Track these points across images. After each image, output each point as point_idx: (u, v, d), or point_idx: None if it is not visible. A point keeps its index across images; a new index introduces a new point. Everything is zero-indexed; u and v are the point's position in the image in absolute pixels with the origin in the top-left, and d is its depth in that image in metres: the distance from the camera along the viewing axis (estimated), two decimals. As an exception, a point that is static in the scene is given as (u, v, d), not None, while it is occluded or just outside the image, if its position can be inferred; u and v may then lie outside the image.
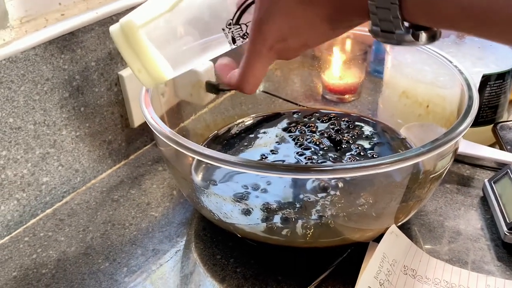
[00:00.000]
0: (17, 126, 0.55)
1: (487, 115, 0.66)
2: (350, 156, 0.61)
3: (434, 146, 0.43)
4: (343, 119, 0.67)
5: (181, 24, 0.43)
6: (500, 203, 0.55)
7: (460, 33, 0.66)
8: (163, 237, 0.56)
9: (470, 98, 0.50)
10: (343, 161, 0.60)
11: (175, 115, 0.64)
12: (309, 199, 0.52)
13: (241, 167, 0.43)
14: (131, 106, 0.66)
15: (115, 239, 0.56)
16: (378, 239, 0.49)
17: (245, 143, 0.65)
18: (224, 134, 0.68)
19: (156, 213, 0.59)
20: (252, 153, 0.64)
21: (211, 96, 0.66)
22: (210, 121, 0.69)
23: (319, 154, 0.61)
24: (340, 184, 0.54)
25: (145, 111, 0.50)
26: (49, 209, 0.60)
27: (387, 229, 0.49)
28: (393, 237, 0.49)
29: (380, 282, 0.45)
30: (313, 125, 0.66)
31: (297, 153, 0.61)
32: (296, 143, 0.63)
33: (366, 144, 0.63)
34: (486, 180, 0.59)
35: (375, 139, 0.64)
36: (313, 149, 0.62)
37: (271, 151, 0.62)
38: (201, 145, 0.64)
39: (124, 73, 0.64)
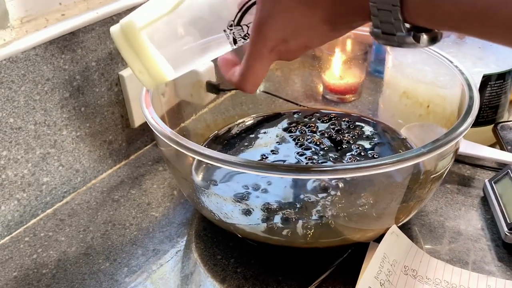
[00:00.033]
0: (17, 126, 0.55)
1: (487, 115, 0.65)
2: (350, 156, 0.61)
3: (434, 146, 0.43)
4: (343, 119, 0.67)
5: (182, 25, 0.43)
6: (501, 203, 0.55)
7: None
8: (164, 237, 0.56)
9: (471, 98, 0.50)
10: (343, 161, 0.60)
11: (175, 115, 0.64)
12: (310, 199, 0.52)
13: (242, 168, 0.43)
14: (131, 106, 0.66)
15: (115, 239, 0.56)
16: (378, 239, 0.49)
17: (246, 143, 0.65)
18: (224, 134, 0.68)
19: (156, 213, 0.59)
20: (253, 153, 0.64)
21: (212, 96, 0.66)
22: (211, 121, 0.69)
23: (320, 154, 0.61)
24: (341, 184, 0.53)
25: (146, 111, 0.50)
26: (49, 209, 0.60)
27: (387, 229, 0.49)
28: (394, 238, 0.49)
29: (380, 283, 0.45)
30: (313, 125, 0.66)
31: (298, 153, 0.61)
32: (296, 143, 0.63)
33: (367, 144, 0.63)
34: (486, 180, 0.59)
35: (375, 139, 0.64)
36: (313, 149, 0.62)
37: (272, 151, 0.62)
38: (202, 145, 0.64)
39: (125, 73, 0.64)
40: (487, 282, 0.48)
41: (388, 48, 0.68)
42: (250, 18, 0.42)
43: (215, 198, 0.53)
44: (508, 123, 0.66)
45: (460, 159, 0.64)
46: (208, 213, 0.52)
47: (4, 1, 0.53)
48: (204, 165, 0.57)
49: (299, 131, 0.66)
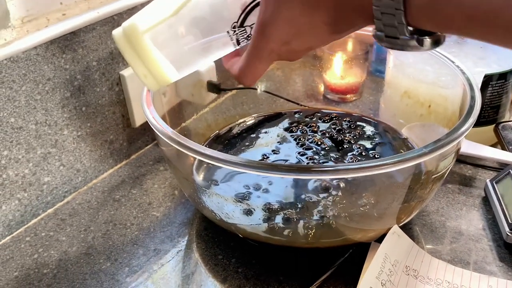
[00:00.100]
0: (18, 126, 0.55)
1: (489, 115, 0.65)
2: (351, 156, 0.61)
3: (436, 146, 0.43)
4: (344, 119, 0.67)
5: (185, 27, 0.43)
6: (502, 203, 0.55)
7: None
8: (165, 237, 0.56)
9: (472, 98, 0.50)
10: (344, 161, 0.60)
11: (176, 114, 0.64)
12: (311, 199, 0.52)
13: (243, 168, 0.43)
14: (132, 105, 0.66)
15: (116, 239, 0.56)
16: (380, 240, 0.48)
17: (247, 143, 0.65)
18: (225, 133, 0.68)
19: (157, 213, 0.59)
20: (254, 153, 0.63)
21: (213, 95, 0.66)
22: (212, 120, 0.68)
23: (321, 154, 0.61)
24: (342, 184, 0.53)
25: (147, 111, 0.50)
26: (50, 209, 0.60)
27: (389, 229, 0.49)
28: (395, 238, 0.49)
29: (382, 283, 0.45)
30: (314, 125, 0.66)
31: (299, 153, 0.61)
32: (297, 143, 0.63)
33: (368, 144, 0.63)
34: (488, 180, 0.59)
35: (376, 139, 0.64)
36: (314, 149, 0.62)
37: (273, 151, 0.62)
38: (203, 145, 0.64)
39: (126, 72, 0.64)
40: (489, 283, 0.48)
41: (390, 48, 0.68)
42: (253, 19, 0.42)
43: (216, 198, 0.53)
44: (510, 123, 0.66)
45: (462, 159, 0.64)
46: (209, 213, 0.52)
47: (5, 0, 0.53)
48: (205, 165, 0.57)
49: (300, 130, 0.66)
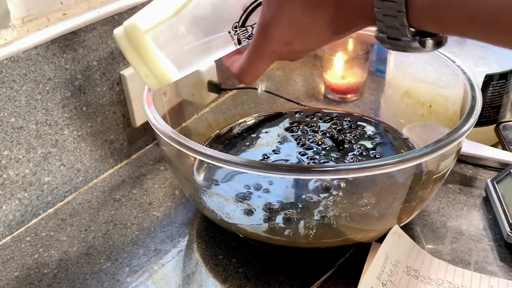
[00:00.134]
0: (19, 125, 0.55)
1: (489, 115, 0.65)
2: (352, 156, 0.61)
3: (437, 146, 0.43)
4: (345, 119, 0.67)
5: (186, 27, 0.43)
6: (503, 203, 0.55)
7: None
8: (165, 237, 0.55)
9: (473, 98, 0.50)
10: (345, 161, 0.60)
11: (177, 114, 0.64)
12: (312, 199, 0.52)
13: (243, 168, 0.43)
14: (133, 105, 0.66)
15: (117, 239, 0.56)
16: (380, 240, 0.48)
17: (247, 143, 0.65)
18: (226, 133, 0.68)
19: (158, 213, 0.59)
20: (254, 153, 0.63)
21: (213, 95, 0.66)
22: (212, 120, 0.68)
23: (322, 154, 0.61)
24: (343, 184, 0.53)
25: (147, 111, 0.50)
26: (51, 209, 0.60)
27: (389, 229, 0.49)
28: (396, 238, 0.49)
29: (382, 283, 0.45)
30: (315, 124, 0.66)
31: (299, 153, 0.61)
32: (298, 143, 0.63)
33: (369, 144, 0.63)
34: (488, 180, 0.59)
35: (377, 139, 0.64)
36: (315, 149, 0.62)
37: (273, 151, 0.62)
38: (203, 144, 0.64)
39: (126, 72, 0.64)
40: (490, 283, 0.48)
41: (390, 48, 0.68)
42: (254, 19, 0.42)
43: (216, 198, 0.53)
44: (510, 123, 0.66)
45: (462, 159, 0.64)
46: (210, 213, 0.52)
47: (5, 0, 0.53)
48: (205, 165, 0.57)
49: (300, 130, 0.66)
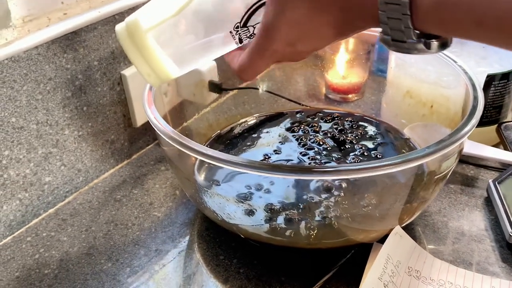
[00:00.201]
0: (19, 125, 0.55)
1: (491, 115, 0.65)
2: (353, 156, 0.60)
3: (439, 147, 0.43)
4: (346, 119, 0.67)
5: (188, 27, 0.43)
6: (505, 203, 0.55)
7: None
8: (166, 238, 0.55)
9: (475, 98, 0.50)
10: (346, 161, 0.60)
11: (178, 114, 0.64)
12: (313, 199, 0.52)
13: (244, 168, 0.43)
14: (133, 105, 0.66)
15: (117, 239, 0.55)
16: (382, 240, 0.48)
17: (248, 143, 0.65)
18: (227, 133, 0.68)
19: (159, 213, 0.59)
20: (255, 153, 0.63)
21: (214, 95, 0.66)
22: (213, 120, 0.68)
23: (323, 154, 0.61)
24: (344, 185, 0.53)
25: (148, 111, 0.50)
26: (51, 209, 0.60)
27: (391, 230, 0.48)
28: (398, 238, 0.49)
29: (384, 284, 0.45)
30: (316, 125, 0.66)
31: (301, 153, 0.61)
32: (299, 143, 0.63)
33: (370, 144, 0.63)
34: (490, 181, 0.59)
35: (378, 139, 0.64)
36: (316, 149, 0.62)
37: (274, 151, 0.62)
38: (204, 144, 0.64)
39: (127, 72, 0.64)
40: (491, 284, 0.48)
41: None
42: (256, 19, 0.42)
43: (217, 199, 0.53)
44: (512, 123, 0.66)
45: (464, 159, 0.64)
46: (211, 214, 0.52)
47: (6, 0, 0.53)
48: (206, 165, 0.57)
49: (302, 130, 0.65)
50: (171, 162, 0.56)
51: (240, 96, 0.72)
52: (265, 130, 0.67)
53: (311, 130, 0.65)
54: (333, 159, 0.60)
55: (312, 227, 0.50)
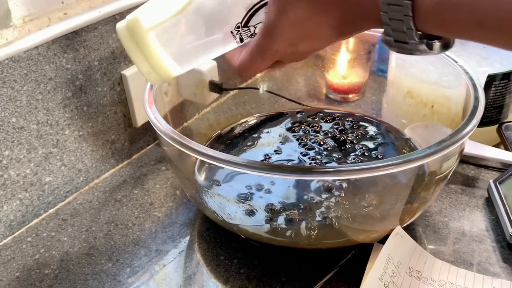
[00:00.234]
0: (20, 125, 0.55)
1: (492, 115, 0.65)
2: (354, 156, 0.60)
3: (440, 147, 0.43)
4: (347, 119, 0.67)
5: (189, 26, 0.42)
6: (506, 204, 0.55)
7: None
8: (166, 238, 0.55)
9: (476, 98, 0.49)
10: (347, 161, 0.60)
11: (178, 114, 0.64)
12: (314, 200, 0.52)
13: (245, 168, 0.43)
14: (134, 105, 0.66)
15: (118, 240, 0.55)
16: (383, 241, 0.48)
17: (249, 143, 0.65)
18: (227, 133, 0.68)
19: (159, 213, 0.59)
20: (256, 153, 0.63)
21: (214, 95, 0.66)
22: (213, 120, 0.68)
23: (323, 155, 0.61)
24: (345, 185, 0.53)
25: (148, 111, 0.50)
26: (52, 209, 0.60)
27: (392, 230, 0.48)
28: (398, 239, 0.48)
29: (385, 284, 0.45)
30: (317, 125, 0.66)
31: (301, 153, 0.61)
32: (300, 143, 0.63)
33: (371, 145, 0.63)
34: (491, 181, 0.58)
35: (379, 139, 0.64)
36: (317, 149, 0.62)
37: (275, 151, 0.62)
38: (204, 144, 0.64)
39: (127, 72, 0.64)
40: (492, 284, 0.48)
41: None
42: (257, 19, 0.42)
43: (218, 199, 0.53)
44: (513, 123, 0.66)
45: (464, 159, 0.64)
46: (211, 214, 0.52)
47: (6, 0, 0.53)
48: (207, 165, 0.57)
49: (302, 130, 0.65)
50: (171, 162, 0.56)
51: (240, 96, 0.72)
52: (265, 130, 0.67)
53: (311, 130, 0.65)
54: (334, 159, 0.60)
55: (312, 227, 0.49)
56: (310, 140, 0.63)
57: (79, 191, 0.63)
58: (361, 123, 0.67)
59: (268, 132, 0.67)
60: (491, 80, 0.62)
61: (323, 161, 0.60)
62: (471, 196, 0.60)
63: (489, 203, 0.58)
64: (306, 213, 0.51)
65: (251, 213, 0.51)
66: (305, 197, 0.52)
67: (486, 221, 0.56)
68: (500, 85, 0.63)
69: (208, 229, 0.56)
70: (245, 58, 0.41)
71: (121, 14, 0.61)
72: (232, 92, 0.71)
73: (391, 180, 0.51)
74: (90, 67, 0.60)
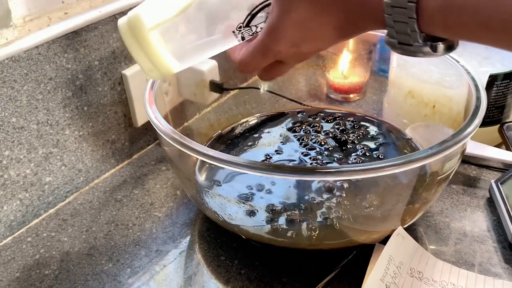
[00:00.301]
0: (20, 125, 0.54)
1: (493, 115, 0.65)
2: (355, 156, 0.60)
3: (442, 147, 0.43)
4: (348, 119, 0.67)
5: (191, 26, 0.42)
6: (507, 204, 0.55)
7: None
8: (167, 238, 0.55)
9: (478, 99, 0.49)
10: (348, 162, 0.59)
11: (178, 114, 0.64)
12: (315, 200, 0.52)
13: (246, 169, 0.42)
14: (134, 105, 0.65)
15: (118, 240, 0.55)
16: (384, 241, 0.48)
17: (249, 143, 0.65)
18: (228, 133, 0.67)
19: (159, 214, 0.59)
20: (256, 153, 0.63)
21: (215, 95, 0.66)
22: (214, 120, 0.68)
23: (324, 155, 0.60)
24: (346, 185, 0.53)
25: (149, 110, 0.50)
26: (52, 209, 0.60)
27: (393, 231, 0.48)
28: (400, 239, 0.48)
29: (386, 285, 0.45)
30: (317, 125, 0.66)
31: (302, 153, 0.61)
32: (300, 143, 0.63)
33: (372, 145, 0.62)
34: (492, 181, 0.58)
35: (380, 139, 0.64)
36: (318, 150, 0.61)
37: (276, 151, 0.62)
38: (205, 144, 0.64)
39: (128, 72, 0.63)
40: (494, 285, 0.48)
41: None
42: (259, 19, 0.42)
43: (219, 199, 0.53)
44: (514, 123, 0.66)
45: (466, 159, 0.64)
46: (212, 214, 0.52)
47: (7, 0, 0.53)
48: (207, 165, 0.57)
49: (303, 130, 0.65)
50: (171, 162, 0.56)
51: (241, 95, 0.71)
52: (266, 130, 0.67)
53: (312, 130, 0.65)
54: (335, 159, 0.60)
55: (313, 228, 0.49)
56: (311, 140, 0.63)
57: (79, 191, 0.63)
58: (362, 123, 0.67)
59: (269, 132, 0.67)
60: (492, 80, 0.62)
61: (324, 161, 0.59)
62: (472, 197, 0.59)
63: (491, 203, 0.58)
64: (307, 213, 0.51)
65: (252, 213, 0.50)
66: (306, 197, 0.52)
67: (487, 222, 0.56)
68: (501, 85, 0.63)
69: (208, 230, 0.56)
70: (247, 55, 0.41)
71: (122, 14, 0.61)
72: (232, 92, 0.71)
73: (392, 181, 0.51)
74: (91, 67, 0.60)
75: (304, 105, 0.72)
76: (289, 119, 0.68)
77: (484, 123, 0.63)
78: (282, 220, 0.50)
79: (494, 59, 0.65)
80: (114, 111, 0.64)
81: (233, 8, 0.42)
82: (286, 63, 0.42)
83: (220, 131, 0.68)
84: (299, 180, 0.53)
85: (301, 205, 0.52)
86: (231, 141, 0.66)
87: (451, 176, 0.51)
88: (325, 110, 0.70)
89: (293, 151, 0.62)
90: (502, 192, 0.56)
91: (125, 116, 0.66)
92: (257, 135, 0.66)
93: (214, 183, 0.56)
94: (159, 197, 0.61)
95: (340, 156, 0.60)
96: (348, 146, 0.62)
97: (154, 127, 0.48)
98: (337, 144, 0.62)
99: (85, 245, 0.55)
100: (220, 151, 0.44)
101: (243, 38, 0.44)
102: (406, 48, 0.34)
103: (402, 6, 0.32)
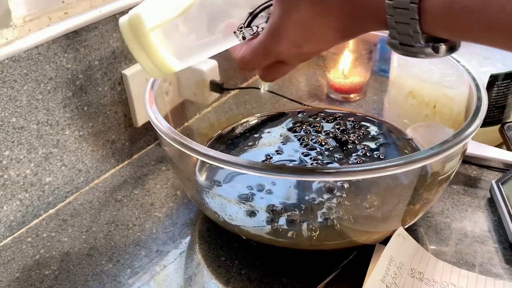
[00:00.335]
0: (20, 125, 0.54)
1: (494, 115, 0.65)
2: (356, 157, 0.60)
3: (443, 148, 0.43)
4: (348, 119, 0.67)
5: (192, 27, 0.42)
6: (508, 204, 0.54)
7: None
8: (167, 238, 0.55)
9: (479, 99, 0.49)
10: (349, 162, 0.59)
11: (179, 114, 0.63)
12: (315, 201, 0.52)
13: (246, 169, 0.42)
14: (134, 105, 0.65)
15: (118, 240, 0.55)
16: (385, 242, 0.48)
17: (250, 143, 0.65)
18: (228, 133, 0.67)
19: (159, 214, 0.58)
20: (257, 153, 0.63)
21: (215, 95, 0.66)
22: (214, 120, 0.68)
23: (325, 155, 0.60)
24: (346, 186, 0.53)
25: (149, 110, 0.50)
26: (52, 210, 0.60)
27: (394, 231, 0.48)
28: (400, 240, 0.48)
29: (387, 285, 0.45)
30: (318, 125, 0.66)
31: (303, 153, 0.61)
32: (301, 143, 0.63)
33: (372, 145, 0.62)
34: (493, 181, 0.58)
35: (381, 139, 0.63)
36: (318, 150, 0.61)
37: (276, 151, 0.62)
38: (205, 144, 0.64)
39: (128, 72, 0.63)
40: (495, 285, 0.48)
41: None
42: (260, 19, 0.42)
43: (219, 200, 0.52)
44: (515, 123, 0.65)
45: (467, 159, 0.64)
46: (212, 215, 0.52)
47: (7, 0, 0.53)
48: (207, 166, 0.57)
49: (303, 131, 0.65)
50: (172, 162, 0.56)
51: (241, 95, 0.71)
52: (266, 130, 0.67)
53: (313, 130, 0.65)
54: (335, 159, 0.60)
55: (314, 228, 0.49)
56: (311, 140, 0.63)
57: (80, 191, 0.63)
58: (362, 123, 0.66)
59: (269, 132, 0.66)
60: (493, 80, 0.62)
61: (324, 162, 0.59)
62: (473, 197, 0.59)
63: (492, 203, 0.58)
64: (307, 214, 0.51)
65: (252, 214, 0.50)
66: (307, 198, 0.52)
67: (488, 222, 0.56)
68: (502, 85, 0.63)
69: (209, 230, 0.56)
70: (248, 54, 0.41)
71: (122, 14, 0.61)
72: (233, 92, 0.71)
73: (393, 181, 0.51)
74: (91, 67, 0.60)
75: (304, 105, 0.72)
76: (290, 119, 0.68)
77: (484, 123, 0.63)
78: (282, 221, 0.50)
79: (495, 59, 0.65)
80: (114, 111, 0.64)
81: (234, 8, 0.42)
82: (288, 63, 0.41)
83: (220, 131, 0.68)
84: (299, 181, 0.53)
85: (302, 205, 0.52)
86: (232, 141, 0.66)
87: (452, 177, 0.51)
88: (325, 110, 0.70)
89: (293, 151, 0.62)
90: (503, 192, 0.56)
91: (125, 116, 0.66)
92: (257, 135, 0.66)
93: (214, 183, 0.56)
94: (159, 197, 0.61)
95: (341, 156, 0.60)
96: (349, 146, 0.62)
97: (154, 127, 0.48)
98: (337, 144, 0.62)
99: (85, 245, 0.55)
100: (220, 151, 0.44)
101: (244, 38, 0.44)
102: (408, 49, 0.34)
103: (404, 7, 0.32)
